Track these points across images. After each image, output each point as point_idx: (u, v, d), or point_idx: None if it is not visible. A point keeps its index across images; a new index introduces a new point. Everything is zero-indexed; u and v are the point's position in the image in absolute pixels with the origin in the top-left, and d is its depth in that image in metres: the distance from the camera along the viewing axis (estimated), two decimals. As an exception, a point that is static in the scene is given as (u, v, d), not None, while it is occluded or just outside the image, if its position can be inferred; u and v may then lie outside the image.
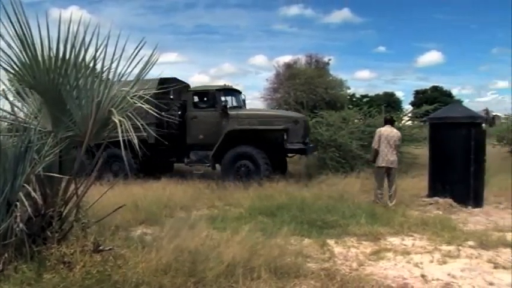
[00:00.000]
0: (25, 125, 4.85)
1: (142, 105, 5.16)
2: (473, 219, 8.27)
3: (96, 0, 76.05)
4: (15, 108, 5.30)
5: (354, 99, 44.29)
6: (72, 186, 5.11)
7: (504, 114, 27.20)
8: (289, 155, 13.40)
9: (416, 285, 4.94)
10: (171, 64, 65.86)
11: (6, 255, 4.34)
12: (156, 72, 6.03)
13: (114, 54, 5.11)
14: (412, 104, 58.84)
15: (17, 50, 4.63)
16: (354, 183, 10.76)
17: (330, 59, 34.34)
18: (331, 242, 6.56)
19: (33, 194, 4.52)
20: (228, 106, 12.93)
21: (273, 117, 12.90)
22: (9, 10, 4.43)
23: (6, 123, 5.22)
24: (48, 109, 5.02)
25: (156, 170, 13.30)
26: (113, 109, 4.91)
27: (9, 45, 4.60)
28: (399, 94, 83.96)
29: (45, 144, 4.76)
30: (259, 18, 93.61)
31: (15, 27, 4.47)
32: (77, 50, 4.78)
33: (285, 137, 12.04)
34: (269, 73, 49.19)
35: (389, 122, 9.52)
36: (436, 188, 9.62)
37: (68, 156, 5.25)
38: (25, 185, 4.48)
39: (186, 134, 13.09)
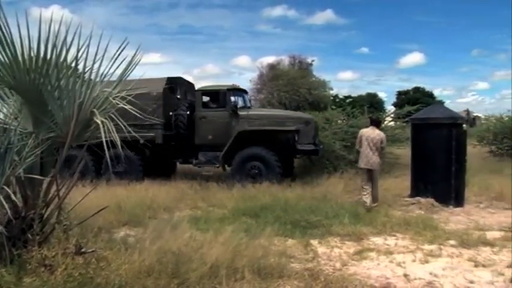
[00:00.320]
0: (5, 126, 4.78)
1: (125, 106, 5.09)
2: (454, 218, 8.37)
3: (78, 0, 75.47)
4: (-5, 109, 5.22)
5: (337, 100, 44.45)
6: (54, 188, 5.04)
7: (484, 114, 27.53)
8: (298, 156, 13.26)
9: (399, 284, 4.98)
10: (154, 65, 65.62)
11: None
12: (139, 73, 5.96)
13: (96, 55, 5.06)
14: (395, 104, 59.32)
15: (-4, 49, 4.56)
16: (337, 184, 10.81)
17: (313, 60, 34.58)
18: (314, 242, 6.59)
19: (13, 196, 4.45)
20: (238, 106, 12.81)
21: (284, 118, 12.74)
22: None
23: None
24: (29, 110, 4.95)
25: (159, 171, 13.18)
26: (95, 110, 4.85)
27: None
28: (382, 95, 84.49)
29: (26, 145, 4.69)
30: (243, 19, 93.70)
31: (-6, 26, 4.40)
32: (58, 50, 4.72)
33: (296, 138, 11.93)
34: (252, 74, 49.38)
35: (374, 123, 9.42)
36: (418, 188, 9.71)
37: (50, 157, 5.18)
38: (5, 187, 4.41)
39: (194, 134, 12.86)
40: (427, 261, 5.75)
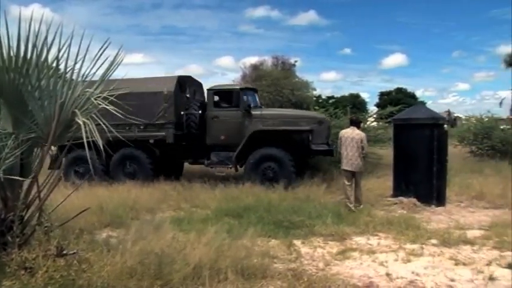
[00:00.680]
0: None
1: (107, 107, 5.05)
2: (436, 218, 8.47)
3: (59, -1, 74.72)
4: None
5: (320, 101, 44.58)
6: (35, 189, 4.98)
7: (465, 115, 27.87)
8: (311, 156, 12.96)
9: (381, 283, 5.02)
10: (137, 65, 65.33)
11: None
12: (121, 73, 5.91)
13: (77, 55, 5.01)
14: (377, 105, 59.86)
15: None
16: (320, 184, 10.83)
17: (296, 61, 34.59)
18: (297, 242, 6.61)
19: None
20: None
21: (298, 118, 12.49)
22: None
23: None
24: (9, 110, 4.88)
25: (167, 172, 12.96)
26: (76, 110, 4.80)
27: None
28: (364, 95, 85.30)
29: (6, 146, 4.63)
30: (226, 20, 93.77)
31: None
32: (38, 49, 4.67)
33: (310, 138, 11.76)
34: (236, 74, 49.26)
35: (354, 123, 9.30)
36: (401, 188, 9.80)
37: (30, 158, 5.12)
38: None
39: (205, 134, 12.54)
40: (409, 261, 5.81)
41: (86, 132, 4.53)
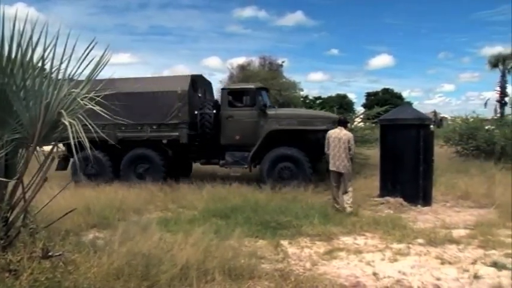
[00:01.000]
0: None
1: (93, 107, 5.00)
2: (422, 217, 8.53)
3: (44, -2, 74.09)
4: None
5: (307, 101, 44.80)
6: (20, 191, 4.93)
7: (451, 116, 28.12)
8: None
9: (368, 283, 5.06)
10: (124, 65, 65.07)
11: None
12: (108, 73, 5.87)
13: (63, 54, 4.96)
14: (364, 105, 60.17)
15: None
16: (306, 184, 10.85)
17: (283, 61, 34.73)
18: (285, 242, 6.63)
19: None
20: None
21: (313, 118, 12.34)
22: None
23: None
24: (-7, 110, 4.82)
25: (177, 172, 12.91)
26: (62, 111, 4.75)
27: None
28: (351, 96, 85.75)
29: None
30: (213, 20, 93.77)
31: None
32: (23, 49, 4.62)
33: None
34: (223, 75, 49.17)
35: (341, 123, 9.17)
36: (387, 188, 9.86)
37: (15, 159, 5.06)
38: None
39: (220, 134, 12.40)
40: (395, 260, 5.86)
41: (73, 132, 4.47)
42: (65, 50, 4.96)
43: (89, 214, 7.80)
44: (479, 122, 17.42)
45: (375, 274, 5.31)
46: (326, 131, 10.60)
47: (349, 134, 8.95)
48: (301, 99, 35.58)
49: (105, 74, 5.51)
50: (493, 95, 43.24)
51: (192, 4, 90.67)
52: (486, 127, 17.11)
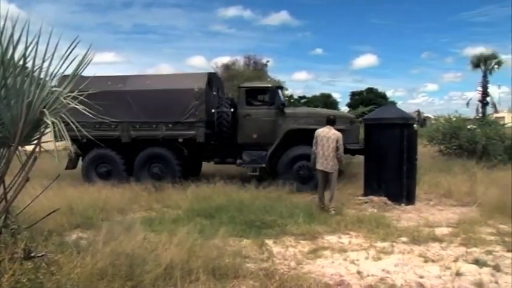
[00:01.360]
0: None
1: (77, 106, 4.95)
2: (406, 216, 8.62)
3: (27, -5, 73.26)
4: None
5: (292, 100, 44.85)
6: (1, 191, 4.86)
7: (434, 115, 28.38)
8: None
9: (352, 281, 5.09)
10: (107, 64, 64.61)
11: None
12: (91, 72, 5.82)
13: (45, 53, 4.90)
14: (349, 105, 60.56)
15: None
16: (291, 183, 10.87)
17: (268, 61, 34.78)
18: (269, 241, 6.64)
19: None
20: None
21: None
22: None
23: None
24: (-26, 109, 4.75)
25: (187, 171, 12.76)
26: (45, 110, 4.70)
27: None
28: (336, 95, 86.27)
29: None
30: (198, 19, 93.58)
31: None
32: (4, 46, 4.55)
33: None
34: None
35: (330, 122, 9.09)
36: (371, 187, 9.94)
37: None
38: None
39: (236, 132, 12.26)
40: (379, 258, 5.92)
41: (56, 132, 4.42)
42: (47, 48, 4.90)
43: (72, 214, 7.74)
44: (462, 122, 17.60)
45: (359, 272, 5.35)
46: (344, 130, 10.40)
47: (338, 134, 8.86)
48: (286, 98, 35.61)
49: (88, 72, 5.45)
50: (475, 95, 43.74)
51: (176, 3, 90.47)
52: (468, 126, 17.28)
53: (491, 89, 44.28)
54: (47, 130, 4.62)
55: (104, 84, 12.16)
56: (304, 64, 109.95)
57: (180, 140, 12.10)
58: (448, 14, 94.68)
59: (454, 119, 17.77)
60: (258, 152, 11.95)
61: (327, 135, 8.81)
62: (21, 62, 4.78)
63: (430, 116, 39.68)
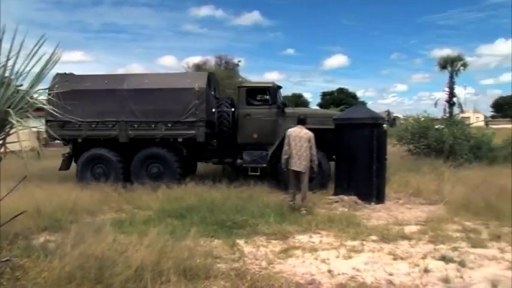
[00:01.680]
0: None
1: (44, 106, 4.85)
2: (376, 214, 8.72)
3: (-10, -8, 71.50)
4: None
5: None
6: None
7: (403, 115, 28.86)
8: None
9: (323, 280, 5.12)
10: (77, 63, 63.62)
11: None
12: (59, 71, 5.71)
13: (10, 51, 4.78)
14: (320, 105, 61.13)
15: None
16: (262, 184, 10.91)
17: (239, 61, 34.69)
18: (241, 241, 6.64)
19: None
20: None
21: (330, 117, 11.73)
22: None
23: None
24: None
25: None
26: (10, 110, 4.58)
27: None
28: (307, 95, 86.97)
29: None
30: (169, 18, 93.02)
31: None
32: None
33: None
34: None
35: (300, 122, 9.09)
36: (342, 186, 10.02)
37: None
38: None
39: (236, 132, 12.16)
40: (350, 257, 5.97)
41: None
42: (11, 46, 4.78)
43: (40, 216, 7.56)
44: (430, 122, 17.85)
45: (330, 271, 5.39)
46: None
47: (310, 133, 8.88)
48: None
49: (57, 71, 5.33)
50: (443, 95, 44.72)
51: (147, 2, 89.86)
52: (436, 126, 17.55)
53: (458, 90, 45.35)
54: (13, 130, 4.52)
55: (101, 82, 11.98)
56: (276, 64, 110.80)
57: (180, 139, 11.94)
58: (415, 17, 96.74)
59: (423, 119, 18.01)
60: (258, 151, 11.88)
61: (299, 135, 8.82)
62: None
63: (399, 116, 40.31)
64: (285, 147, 8.98)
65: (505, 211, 7.82)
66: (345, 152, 10.20)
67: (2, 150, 4.84)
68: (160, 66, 79.27)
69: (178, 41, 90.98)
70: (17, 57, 4.84)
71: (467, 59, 50.77)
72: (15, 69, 4.89)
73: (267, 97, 12.28)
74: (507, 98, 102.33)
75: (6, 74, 4.79)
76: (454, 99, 43.95)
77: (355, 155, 9.95)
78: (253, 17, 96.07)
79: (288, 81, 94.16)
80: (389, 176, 11.18)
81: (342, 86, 68.20)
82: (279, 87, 13.18)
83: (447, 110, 41.35)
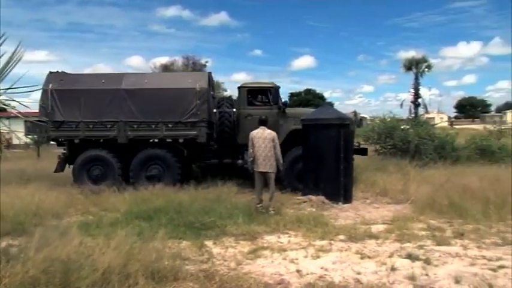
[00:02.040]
0: None
1: (6, 107, 4.73)
2: (343, 214, 8.83)
3: None
4: None
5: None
6: None
7: (370, 116, 29.27)
8: None
9: (292, 280, 5.16)
10: (41, 62, 62.26)
11: None
12: (22, 71, 5.56)
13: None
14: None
15: None
16: (231, 185, 10.91)
17: (207, 61, 34.85)
18: (209, 243, 6.63)
19: None
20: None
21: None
22: None
23: None
24: None
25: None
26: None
27: None
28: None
29: None
30: (136, 18, 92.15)
31: None
32: None
33: None
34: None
35: (262, 122, 9.11)
36: (310, 186, 10.11)
37: None
38: None
39: (237, 133, 12.08)
40: (318, 257, 6.04)
41: None
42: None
43: (2, 220, 7.35)
44: (396, 122, 18.14)
45: (298, 271, 5.43)
46: None
47: (273, 133, 8.94)
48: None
49: (19, 71, 5.19)
50: (408, 96, 45.64)
51: (114, 1, 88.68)
52: (402, 127, 17.84)
53: (423, 91, 46.51)
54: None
55: (98, 82, 11.77)
56: (243, 65, 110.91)
57: (181, 140, 11.79)
58: (381, 19, 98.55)
59: (389, 119, 18.28)
60: None
61: (262, 136, 8.86)
62: None
63: (366, 116, 40.88)
64: (249, 150, 9.02)
65: (468, 209, 8.04)
66: (313, 153, 10.29)
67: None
68: (128, 66, 78.40)
69: (146, 41, 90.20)
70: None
71: (432, 61, 52.04)
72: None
73: (268, 97, 12.27)
74: (469, 99, 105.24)
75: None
76: (419, 100, 44.97)
77: (323, 155, 10.05)
78: (220, 17, 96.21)
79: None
80: (357, 176, 11.35)
81: (310, 87, 68.84)
82: (279, 88, 13.21)
83: (412, 110, 42.32)
